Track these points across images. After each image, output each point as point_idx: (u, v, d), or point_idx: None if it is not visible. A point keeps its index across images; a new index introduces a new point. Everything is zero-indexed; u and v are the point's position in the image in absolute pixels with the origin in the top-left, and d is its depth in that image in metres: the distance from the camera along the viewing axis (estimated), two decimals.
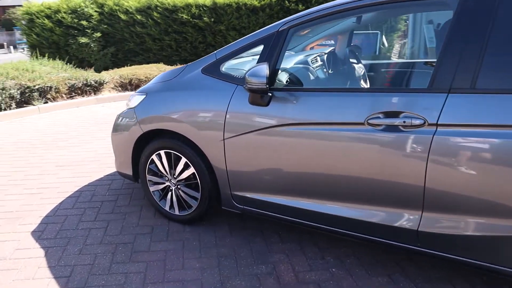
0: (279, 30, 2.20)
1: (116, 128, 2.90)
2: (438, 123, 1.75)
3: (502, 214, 1.69)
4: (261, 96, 2.16)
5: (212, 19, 11.68)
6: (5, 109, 5.43)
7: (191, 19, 11.65)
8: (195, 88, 2.45)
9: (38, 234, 2.63)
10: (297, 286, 2.11)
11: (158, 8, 11.66)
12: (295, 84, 2.45)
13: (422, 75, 3.06)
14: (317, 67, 3.01)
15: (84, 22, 11.25)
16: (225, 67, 2.41)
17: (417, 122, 1.79)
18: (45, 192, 3.30)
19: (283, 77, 2.33)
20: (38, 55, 9.74)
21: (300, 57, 2.99)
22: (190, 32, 11.82)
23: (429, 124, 1.77)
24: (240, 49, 2.36)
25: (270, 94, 2.15)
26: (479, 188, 1.71)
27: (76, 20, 11.25)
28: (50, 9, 11.51)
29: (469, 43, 1.73)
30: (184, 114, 2.46)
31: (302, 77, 2.58)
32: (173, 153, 2.58)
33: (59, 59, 9.36)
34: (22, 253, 2.42)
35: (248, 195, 2.39)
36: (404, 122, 1.81)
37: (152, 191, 2.81)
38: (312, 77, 2.72)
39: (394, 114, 1.85)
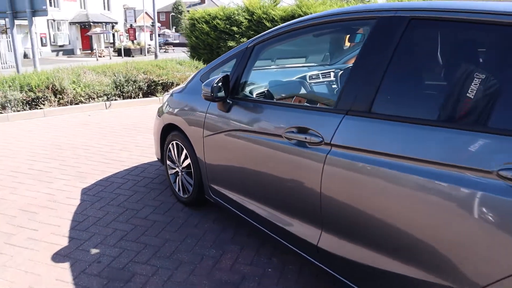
0: (247, 46, 2.52)
1: (155, 121, 3.64)
2: (332, 142, 1.83)
3: (385, 250, 1.66)
4: (223, 103, 2.53)
5: None
6: (134, 97, 7.04)
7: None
8: (193, 92, 2.97)
9: (85, 191, 3.58)
10: (225, 273, 2.41)
11: (301, 17, 12.43)
12: (262, 95, 2.68)
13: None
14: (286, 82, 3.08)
15: (234, 28, 12.83)
16: (211, 76, 2.84)
17: (316, 140, 1.90)
18: (112, 163, 4.33)
19: (249, 88, 2.62)
20: (193, 55, 11.74)
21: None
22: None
23: (325, 143, 1.86)
24: (222, 62, 2.76)
25: (230, 102, 2.50)
26: (363, 217, 1.72)
27: (228, 26, 12.96)
28: (209, 15, 13.59)
29: (370, 70, 1.76)
30: (184, 113, 3.00)
31: (268, 88, 2.75)
32: (180, 145, 3.15)
33: (212, 60, 11.18)
34: (68, 199, 3.38)
35: (217, 187, 2.78)
36: (306, 138, 1.94)
37: (170, 174, 3.45)
38: (275, 90, 2.83)
39: (303, 130, 1.99)
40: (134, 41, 34.12)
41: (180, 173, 3.27)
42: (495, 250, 1.29)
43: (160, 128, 3.43)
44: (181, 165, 3.22)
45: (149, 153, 4.71)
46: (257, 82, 2.65)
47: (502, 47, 1.50)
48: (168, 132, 3.37)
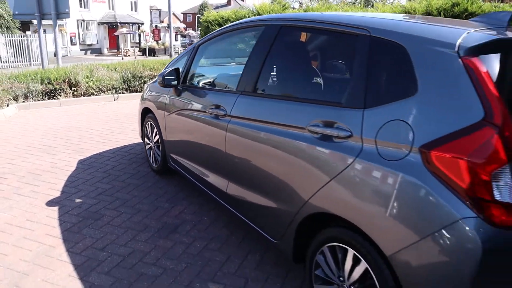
0: (194, 46, 3.32)
1: (138, 106, 4.49)
2: (231, 114, 2.60)
3: (261, 190, 2.39)
4: (175, 89, 3.34)
5: None
6: (139, 91, 7.99)
7: None
8: None
9: (81, 161, 4.47)
10: (171, 218, 3.21)
11: None
12: (197, 82, 3.42)
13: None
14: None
15: None
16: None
17: (223, 113, 2.67)
18: (108, 142, 5.22)
19: (194, 78, 3.40)
20: None
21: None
22: None
23: (228, 115, 2.63)
24: (179, 58, 3.56)
25: (180, 89, 3.30)
26: (249, 167, 2.47)
27: None
28: (222, 18, 14.47)
29: (256, 62, 2.52)
30: (153, 99, 3.83)
31: (206, 78, 3.49)
32: (152, 124, 3.98)
33: None
34: (67, 167, 4.28)
35: (173, 156, 3.59)
36: (218, 112, 2.72)
37: (147, 149, 4.29)
38: (210, 79, 3.54)
39: (217, 107, 2.76)
40: (159, 41, 35.57)
41: (153, 147, 4.10)
42: (310, 177, 1.99)
43: (140, 112, 4.28)
44: (153, 141, 4.05)
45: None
46: (203, 74, 3.43)
47: (325, 44, 2.23)
48: (145, 115, 4.21)
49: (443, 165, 1.47)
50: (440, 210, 1.46)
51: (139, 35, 38.04)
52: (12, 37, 21.95)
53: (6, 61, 21.03)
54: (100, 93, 7.97)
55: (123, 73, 8.37)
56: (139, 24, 37.34)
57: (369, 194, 1.69)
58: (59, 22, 27.26)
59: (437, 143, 1.50)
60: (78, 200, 3.51)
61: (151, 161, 4.19)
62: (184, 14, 66.61)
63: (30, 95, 7.16)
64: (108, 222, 3.14)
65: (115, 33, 33.93)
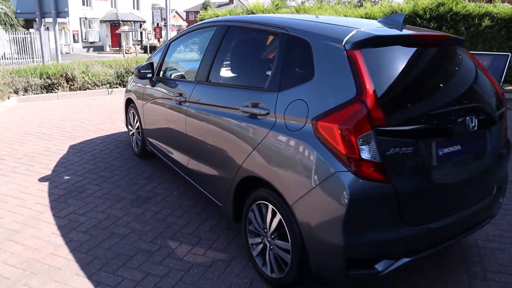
0: (166, 44, 3.81)
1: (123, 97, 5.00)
2: (189, 100, 3.10)
3: (208, 161, 2.90)
4: (150, 80, 3.84)
5: None
6: None
7: None
8: None
9: (72, 146, 4.98)
10: (144, 192, 3.71)
11: None
12: (169, 74, 3.90)
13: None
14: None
15: None
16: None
17: (183, 99, 3.17)
18: (98, 131, 5.73)
19: (165, 70, 3.89)
20: None
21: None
22: None
23: (187, 101, 3.13)
24: (155, 53, 4.06)
25: (154, 80, 3.80)
26: (202, 143, 2.96)
27: None
28: (217, 16, 14.96)
29: (209, 56, 3.02)
30: (134, 90, 4.34)
31: (174, 71, 3.97)
32: (134, 112, 4.49)
33: None
34: (59, 151, 4.80)
35: (150, 139, 4.09)
36: (180, 99, 3.22)
37: (130, 135, 4.79)
38: (178, 72, 4.02)
39: (180, 94, 3.26)
40: (160, 39, 36.11)
41: (134, 134, 4.61)
42: (241, 148, 2.48)
43: (124, 102, 4.79)
44: (134, 128, 4.56)
45: None
46: (172, 67, 3.92)
47: (258, 41, 2.72)
48: (129, 105, 4.72)
49: (325, 132, 1.95)
50: (323, 166, 1.95)
51: (141, 33, 38.59)
52: (16, 34, 22.49)
53: (9, 58, 21.63)
54: (95, 88, 8.50)
55: (117, 69, 8.90)
56: (141, 22, 37.91)
57: (278, 157, 2.19)
58: (62, 20, 27.68)
59: (322, 115, 1.99)
60: (66, 177, 4.03)
61: (133, 146, 4.70)
62: (187, 12, 67.09)
63: (30, 88, 7.69)
64: (90, 194, 3.65)
65: (117, 31, 34.51)
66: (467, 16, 11.34)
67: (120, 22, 35.20)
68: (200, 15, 15.52)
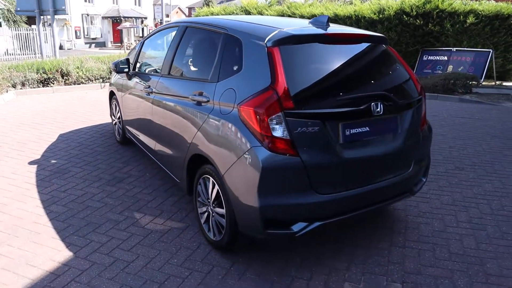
0: (142, 41, 4.27)
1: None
2: (154, 91, 3.56)
3: (168, 144, 3.36)
4: (127, 74, 4.30)
5: None
6: None
7: None
8: None
9: (61, 135, 5.47)
10: (121, 173, 4.18)
11: (289, 17, 13.99)
12: (142, 69, 4.36)
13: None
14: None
15: None
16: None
17: (150, 90, 3.63)
18: (87, 121, 6.21)
19: (139, 64, 4.34)
20: None
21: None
22: None
23: (153, 92, 3.60)
24: (132, 50, 4.52)
25: (130, 74, 4.26)
26: (164, 128, 3.43)
27: None
28: (212, 14, 15.39)
29: (171, 52, 3.47)
30: (115, 83, 4.81)
31: (146, 65, 4.43)
32: (115, 103, 4.96)
33: None
34: (49, 138, 5.28)
35: (128, 127, 4.56)
36: (148, 89, 3.68)
37: (113, 125, 5.27)
38: (148, 66, 4.46)
39: (148, 86, 3.72)
40: None
41: (116, 123, 5.08)
42: (190, 130, 2.95)
43: (108, 94, 5.26)
44: (116, 117, 5.03)
45: None
46: (145, 62, 4.38)
47: (207, 39, 3.17)
48: (112, 97, 5.19)
49: (245, 114, 2.40)
50: (243, 142, 2.40)
51: (142, 29, 39.10)
52: (18, 30, 23.00)
53: (12, 54, 22.19)
54: (88, 82, 8.99)
55: (110, 64, 9.37)
56: (143, 19, 38.40)
57: (213, 137, 2.64)
58: (63, 16, 28.05)
59: (244, 101, 2.44)
60: (53, 161, 4.51)
61: (116, 134, 5.18)
62: (189, 8, 67.45)
63: (27, 83, 8.19)
64: (72, 175, 4.13)
65: (119, 27, 35.02)
66: (453, 13, 11.70)
67: (122, 18, 35.71)
68: (195, 12, 15.96)
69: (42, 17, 11.14)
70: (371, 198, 2.72)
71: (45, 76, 8.44)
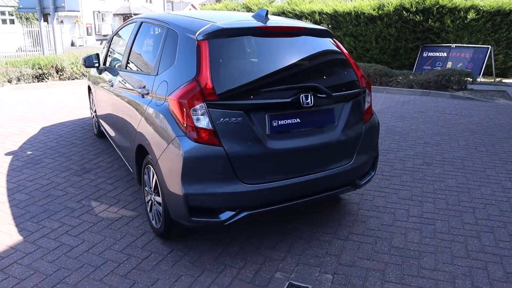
0: (111, 37, 4.40)
1: None
2: (113, 84, 3.69)
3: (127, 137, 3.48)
4: (97, 69, 4.44)
5: (330, 26, 13.16)
6: None
7: None
8: None
9: (44, 127, 5.65)
10: (90, 165, 4.33)
11: (289, 13, 14.00)
12: (108, 64, 4.48)
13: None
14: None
15: None
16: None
17: (111, 83, 3.76)
18: (73, 115, 6.39)
19: (108, 59, 4.47)
20: None
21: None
22: None
23: (113, 86, 3.72)
24: (105, 45, 4.65)
25: (100, 69, 4.40)
26: (120, 119, 3.54)
27: None
28: (215, 10, 15.53)
29: (128, 47, 3.59)
30: (91, 78, 4.95)
31: (112, 60, 4.54)
32: (92, 97, 5.11)
33: None
34: (32, 130, 5.47)
35: (100, 121, 4.71)
36: (110, 83, 3.80)
37: (92, 117, 5.42)
38: (113, 61, 4.57)
39: (111, 80, 3.84)
40: None
41: (94, 116, 5.23)
42: (136, 122, 3.06)
43: (87, 88, 5.42)
44: (93, 111, 5.19)
45: None
46: (113, 57, 4.50)
47: (156, 34, 3.26)
48: (90, 91, 5.34)
49: (172, 105, 2.49)
50: (170, 132, 2.49)
51: None
52: (31, 27, 23.51)
53: (25, 50, 22.72)
54: (83, 77, 9.22)
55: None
56: None
57: (149, 127, 2.74)
58: (75, 13, 28.42)
59: (172, 93, 2.52)
60: (29, 152, 4.69)
61: (94, 127, 5.33)
62: (203, 5, 67.73)
63: (22, 78, 8.45)
64: (43, 166, 4.30)
65: None
66: (453, 9, 11.54)
67: (133, 15, 36.12)
68: (198, 9, 16.08)
69: (56, 13, 11.42)
70: (304, 189, 2.76)
71: (40, 71, 8.69)
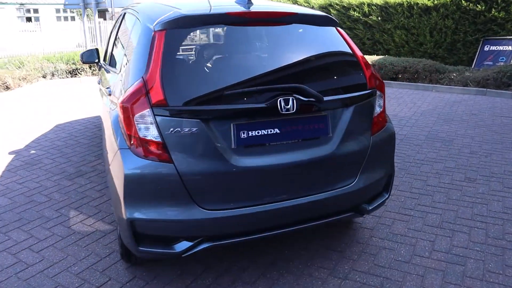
0: (111, 30, 4.08)
1: None
2: (99, 80, 3.36)
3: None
4: (97, 65, 4.15)
5: (380, 18, 12.17)
6: None
7: (361, 17, 12.58)
8: None
9: (59, 124, 5.54)
10: (80, 172, 4.07)
11: (337, 5, 13.18)
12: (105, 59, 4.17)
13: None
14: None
15: None
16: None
17: (99, 81, 3.43)
18: (93, 112, 6.25)
19: (108, 55, 4.15)
20: None
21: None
22: (360, 29, 12.76)
23: (99, 83, 3.39)
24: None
25: (100, 65, 4.11)
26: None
27: None
28: None
29: (112, 40, 3.24)
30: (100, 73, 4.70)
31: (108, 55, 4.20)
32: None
33: None
34: (42, 128, 5.37)
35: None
36: (99, 80, 3.48)
37: None
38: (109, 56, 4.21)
39: (100, 77, 3.52)
40: None
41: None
42: (109, 117, 2.69)
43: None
44: None
45: None
46: (112, 53, 4.19)
47: (127, 26, 2.86)
48: None
49: (120, 110, 2.06)
50: (115, 143, 2.08)
51: None
52: (90, 24, 24.50)
53: (83, 46, 23.79)
54: None
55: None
56: None
57: (105, 135, 2.35)
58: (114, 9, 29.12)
59: (122, 95, 2.09)
60: (32, 152, 4.55)
61: None
62: None
63: (57, 73, 8.57)
64: (40, 167, 4.11)
65: None
66: None
67: None
68: None
69: (112, 9, 11.64)
70: (286, 217, 2.22)
71: (73, 66, 8.77)
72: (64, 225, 3.02)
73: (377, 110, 2.45)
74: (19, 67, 8.29)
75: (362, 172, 2.39)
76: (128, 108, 1.95)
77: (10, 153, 4.51)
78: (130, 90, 1.98)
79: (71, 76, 8.79)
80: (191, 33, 2.16)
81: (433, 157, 4.42)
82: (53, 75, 8.57)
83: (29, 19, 25.83)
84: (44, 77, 8.50)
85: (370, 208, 2.52)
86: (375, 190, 2.56)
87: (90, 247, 2.75)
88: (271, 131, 2.06)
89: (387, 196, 2.66)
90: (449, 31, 11.09)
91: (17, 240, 2.84)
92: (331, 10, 13.17)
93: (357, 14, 12.62)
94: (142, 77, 1.97)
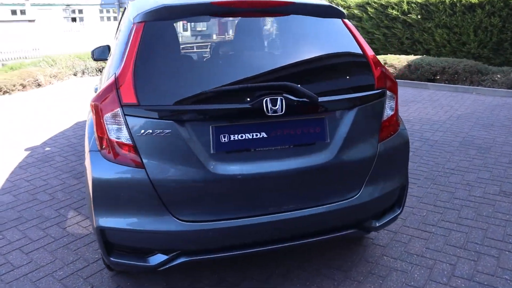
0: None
1: None
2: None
3: None
4: (106, 61, 4.08)
5: (420, 16, 11.55)
6: None
7: (400, 15, 11.99)
8: None
9: (78, 122, 5.56)
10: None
11: (375, 3, 12.64)
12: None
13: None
14: None
15: None
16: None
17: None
18: None
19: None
20: None
21: None
22: (399, 28, 12.18)
23: None
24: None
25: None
26: None
27: None
28: None
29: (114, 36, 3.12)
30: None
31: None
32: None
33: None
34: (60, 125, 5.41)
35: None
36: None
37: None
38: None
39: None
40: None
41: None
42: None
43: None
44: None
45: None
46: None
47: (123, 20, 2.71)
48: None
49: (92, 110, 1.91)
50: (87, 145, 1.94)
51: None
52: None
53: None
54: None
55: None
56: None
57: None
58: None
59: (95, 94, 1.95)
60: (47, 149, 4.57)
61: None
62: None
63: (87, 71, 8.76)
64: (51, 165, 4.10)
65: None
66: None
67: None
68: None
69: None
70: (276, 232, 1.98)
71: (104, 64, 8.92)
72: (60, 226, 2.94)
73: (388, 113, 2.16)
74: (51, 65, 8.53)
75: (368, 184, 2.11)
76: (98, 107, 1.80)
77: (26, 149, 4.56)
78: (103, 87, 1.83)
79: (101, 74, 8.96)
80: (173, 26, 1.98)
81: (465, 166, 4.00)
82: (83, 72, 8.76)
83: (74, 20, 26.94)
84: (75, 74, 8.70)
85: (378, 224, 2.23)
86: (384, 205, 2.27)
87: (80, 251, 2.64)
88: (257, 135, 1.84)
89: (399, 212, 2.35)
90: (495, 29, 10.30)
91: (11, 239, 2.78)
92: (368, 8, 12.65)
93: (396, 13, 12.02)
94: (115, 73, 1.81)
